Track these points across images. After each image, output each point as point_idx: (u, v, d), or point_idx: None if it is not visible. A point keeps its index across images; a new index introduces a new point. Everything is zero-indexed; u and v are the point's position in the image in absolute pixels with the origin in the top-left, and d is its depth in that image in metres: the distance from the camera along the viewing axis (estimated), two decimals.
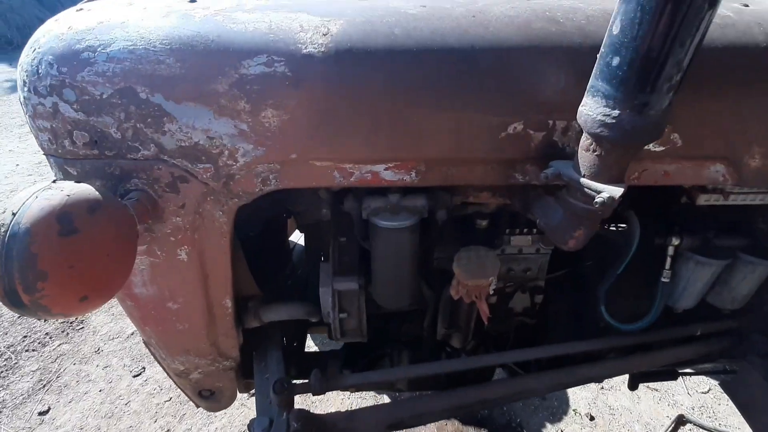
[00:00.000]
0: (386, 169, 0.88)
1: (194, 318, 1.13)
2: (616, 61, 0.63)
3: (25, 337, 2.82)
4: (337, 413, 1.18)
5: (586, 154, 0.74)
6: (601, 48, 0.66)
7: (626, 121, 0.65)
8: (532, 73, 0.80)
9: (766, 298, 1.45)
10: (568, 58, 0.80)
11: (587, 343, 1.23)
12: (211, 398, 1.42)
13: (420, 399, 1.19)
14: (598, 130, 0.68)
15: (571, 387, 1.41)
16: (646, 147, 0.86)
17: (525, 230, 1.20)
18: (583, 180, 0.75)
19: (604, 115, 0.67)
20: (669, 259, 1.13)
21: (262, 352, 1.38)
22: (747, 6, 0.91)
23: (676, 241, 1.10)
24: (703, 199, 1.07)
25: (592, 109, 0.68)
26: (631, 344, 1.29)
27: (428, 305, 1.26)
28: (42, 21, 0.91)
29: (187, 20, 0.80)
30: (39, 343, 2.79)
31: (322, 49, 0.78)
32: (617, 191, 0.70)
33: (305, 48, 0.78)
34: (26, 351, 2.73)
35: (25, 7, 10.48)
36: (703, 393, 2.44)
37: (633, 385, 1.65)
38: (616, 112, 0.65)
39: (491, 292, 1.05)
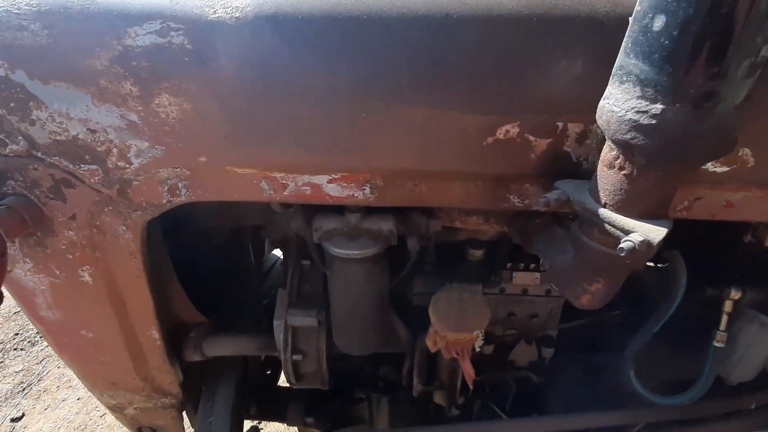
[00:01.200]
0: (330, 181, 0.65)
1: (115, 349, 0.93)
2: (659, 22, 0.38)
3: (16, 334, 2.75)
4: None
5: (609, 174, 0.48)
6: (636, 5, 0.41)
7: (675, 121, 0.40)
8: (532, 54, 0.56)
9: None
10: (587, 33, 0.54)
11: (611, 415, 0.94)
12: None
13: None
14: (628, 136, 0.43)
15: None
16: (704, 166, 0.60)
17: (532, 265, 0.94)
18: (604, 212, 0.49)
19: (638, 112, 0.41)
20: (725, 318, 0.83)
21: (211, 388, 1.17)
22: None
23: (736, 295, 0.81)
24: None
25: (619, 102, 0.43)
26: (665, 420, 0.99)
27: (406, 351, 1.02)
28: None
29: None
30: (29, 342, 2.71)
31: (237, 14, 0.56)
32: (657, 233, 0.45)
33: (214, 12, 0.56)
34: (14, 350, 2.65)
35: None
36: None
37: None
38: (658, 108, 0.40)
39: (477, 348, 0.80)
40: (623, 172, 0.46)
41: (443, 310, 0.79)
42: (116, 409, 1.13)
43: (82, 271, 0.78)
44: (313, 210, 0.80)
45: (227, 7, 0.57)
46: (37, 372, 2.51)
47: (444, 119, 0.59)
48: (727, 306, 0.82)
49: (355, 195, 0.66)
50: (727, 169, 0.60)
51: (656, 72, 0.39)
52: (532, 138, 0.59)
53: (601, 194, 0.50)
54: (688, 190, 0.64)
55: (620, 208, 0.48)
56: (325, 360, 0.98)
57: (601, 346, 1.10)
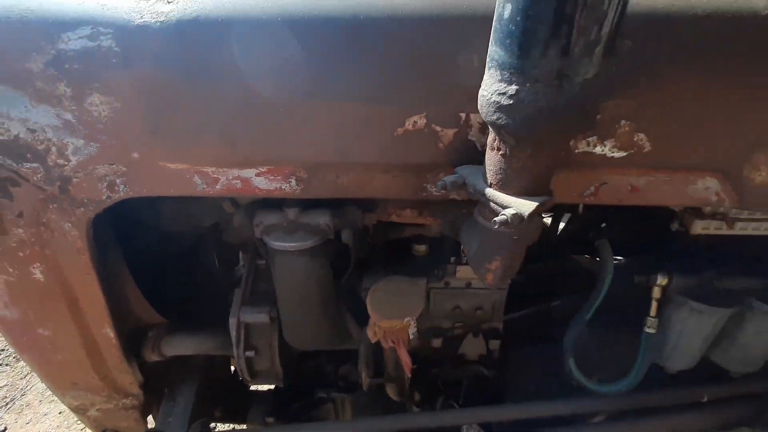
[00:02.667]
0: (258, 174, 0.69)
1: (72, 347, 0.96)
2: (507, 10, 0.42)
3: (1, 350, 2.76)
4: None
5: (491, 155, 0.53)
6: None
7: (528, 99, 0.44)
8: (434, 50, 0.60)
9: None
10: (483, 29, 0.59)
11: (556, 404, 0.96)
12: None
13: None
14: (494, 117, 0.47)
15: None
16: (596, 150, 0.64)
17: None
18: (489, 191, 0.53)
19: (499, 94, 0.46)
20: (655, 304, 0.86)
21: (174, 390, 1.19)
22: None
23: (663, 281, 0.83)
24: (700, 227, 0.81)
25: (486, 86, 0.48)
26: (615, 409, 1.01)
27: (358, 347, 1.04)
28: None
29: None
30: (14, 357, 2.71)
31: (162, 19, 0.61)
32: (528, 207, 0.48)
33: (141, 17, 0.61)
34: None
35: None
36: None
37: None
38: (513, 88, 0.44)
39: (411, 336, 0.82)
40: (500, 152, 0.50)
41: (378, 300, 0.82)
42: (79, 411, 1.14)
43: (34, 268, 0.82)
44: (255, 207, 0.84)
45: (153, 13, 0.62)
46: (20, 387, 2.51)
47: (356, 112, 0.63)
48: (656, 292, 0.85)
49: (282, 187, 0.70)
50: (625, 153, 0.64)
51: (509, 56, 0.44)
52: (438, 128, 0.63)
53: (488, 175, 0.53)
54: (593, 176, 0.68)
55: (502, 187, 0.52)
56: (278, 356, 1.01)
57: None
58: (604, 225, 1.04)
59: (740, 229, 0.80)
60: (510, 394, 1.09)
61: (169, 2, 0.63)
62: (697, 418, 1.07)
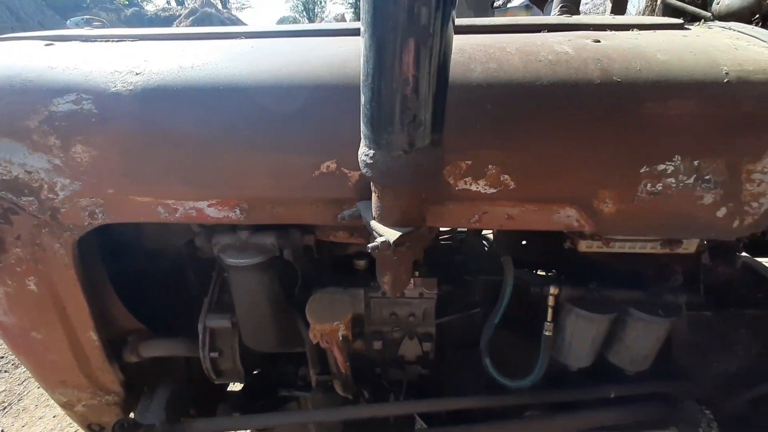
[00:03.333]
0: (209, 206, 0.86)
1: (61, 349, 1.12)
2: (363, 100, 0.60)
3: (1, 357, 2.91)
4: None
5: (373, 196, 0.69)
6: None
7: (381, 161, 0.61)
8: (343, 112, 0.78)
9: (702, 363, 1.29)
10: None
11: (472, 399, 1.12)
12: None
13: None
14: (365, 171, 0.64)
15: None
16: (473, 188, 0.81)
17: None
18: (372, 222, 0.70)
19: (365, 155, 0.63)
20: (550, 310, 1.02)
21: (152, 388, 1.34)
22: (599, 42, 0.86)
23: (554, 291, 1.00)
24: (584, 246, 0.97)
25: (360, 149, 0.65)
26: (533, 403, 1.16)
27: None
28: None
29: (16, 59, 0.84)
30: (12, 365, 2.87)
31: (130, 88, 0.79)
32: (393, 235, 0.65)
33: (114, 86, 0.79)
34: None
35: None
36: None
37: None
38: (371, 153, 0.61)
39: (341, 337, 0.98)
40: (376, 194, 0.67)
41: (314, 307, 0.98)
42: (67, 407, 1.30)
43: (29, 281, 0.99)
44: (213, 230, 1.01)
45: (124, 82, 0.80)
46: (18, 392, 2.66)
47: (283, 159, 0.81)
48: (550, 300, 1.01)
49: (229, 215, 0.87)
50: (495, 190, 0.81)
51: (368, 131, 0.61)
52: (347, 171, 0.80)
53: (373, 210, 0.70)
54: (475, 207, 0.84)
55: (380, 219, 0.69)
56: (239, 357, 1.16)
57: None
58: (524, 243, 1.20)
59: (618, 247, 0.97)
60: (445, 391, 1.25)
61: (137, 74, 0.81)
62: (611, 414, 1.22)
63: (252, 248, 0.97)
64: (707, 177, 0.79)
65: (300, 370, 1.37)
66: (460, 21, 1.03)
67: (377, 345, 1.19)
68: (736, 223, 0.83)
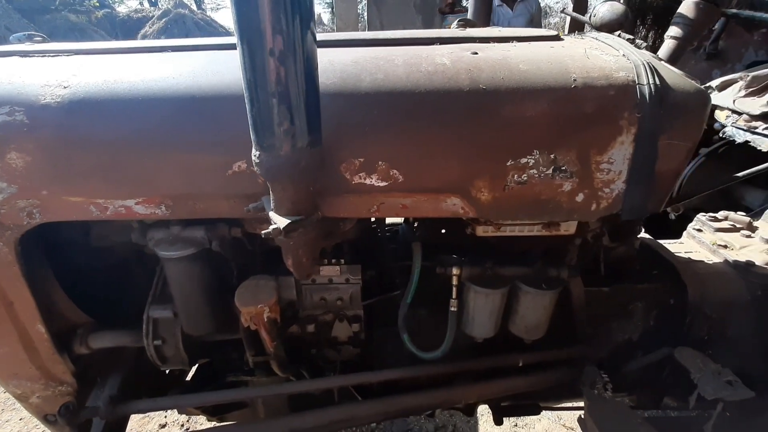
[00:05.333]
0: (137, 204, 0.97)
1: (11, 342, 1.20)
2: (247, 108, 0.71)
3: None
4: None
5: (270, 189, 0.81)
6: None
7: (265, 161, 0.73)
8: (237, 118, 0.89)
9: (604, 333, 1.45)
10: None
11: (395, 371, 1.25)
12: (57, 423, 1.46)
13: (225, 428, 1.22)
14: (256, 169, 0.76)
15: (398, 416, 1.40)
16: (367, 181, 0.93)
17: (333, 261, 1.25)
18: (270, 213, 0.82)
19: (254, 156, 0.75)
20: (454, 289, 1.16)
21: (105, 378, 1.43)
22: (476, 53, 0.99)
23: (456, 271, 1.13)
24: (481, 231, 1.11)
25: (252, 150, 0.76)
26: (458, 371, 1.29)
27: None
28: None
29: None
30: None
31: (58, 100, 0.89)
32: (282, 223, 0.77)
33: (44, 99, 0.89)
34: None
35: None
36: None
37: (497, 420, 1.62)
38: (257, 153, 0.73)
39: (267, 319, 1.09)
40: (270, 188, 0.79)
41: (242, 291, 1.09)
42: (22, 399, 1.37)
43: None
44: (147, 225, 1.11)
45: (53, 95, 0.89)
46: None
47: (200, 159, 0.92)
48: (454, 280, 1.15)
49: (156, 212, 0.98)
50: (386, 183, 0.94)
51: (254, 135, 0.73)
52: (255, 169, 0.92)
53: (272, 203, 0.82)
54: (373, 198, 0.97)
55: (277, 210, 0.81)
56: (182, 344, 1.27)
57: None
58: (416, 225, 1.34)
59: (509, 231, 1.11)
60: (376, 366, 1.37)
61: (65, 87, 0.91)
62: (522, 381, 1.37)
63: (183, 241, 1.08)
64: (563, 168, 0.94)
65: (245, 356, 1.48)
66: (369, 35, 1.16)
67: (310, 328, 1.31)
68: (594, 206, 0.98)
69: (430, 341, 1.28)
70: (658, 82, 0.90)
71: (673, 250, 1.61)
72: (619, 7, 1.15)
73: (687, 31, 1.24)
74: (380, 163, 0.92)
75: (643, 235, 1.61)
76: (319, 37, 1.09)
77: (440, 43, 1.08)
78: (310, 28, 0.66)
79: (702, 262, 1.51)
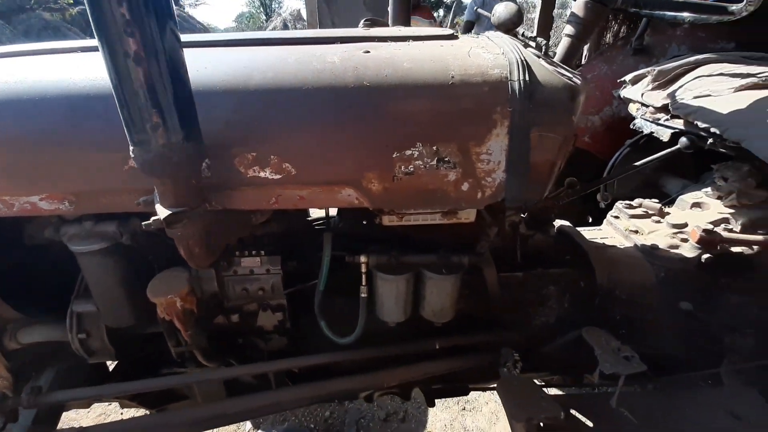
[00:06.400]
0: (41, 200, 1.00)
1: None
2: (117, 105, 0.76)
3: None
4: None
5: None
6: None
7: (140, 156, 0.77)
8: None
9: (520, 316, 1.53)
10: None
11: (311, 357, 1.31)
12: None
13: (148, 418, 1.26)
14: (135, 165, 0.80)
15: (325, 401, 1.47)
16: (261, 175, 0.98)
17: (254, 252, 1.30)
18: (156, 205, 0.86)
19: (131, 152, 0.79)
20: (363, 276, 1.22)
21: (39, 372, 1.46)
22: (368, 52, 1.05)
23: (363, 259, 1.20)
24: (386, 220, 1.17)
25: (129, 145, 0.81)
26: (381, 356, 1.36)
27: None
28: None
29: None
30: None
31: None
32: (162, 214, 0.82)
33: None
34: None
35: None
36: None
37: (429, 402, 1.69)
38: (133, 149, 0.78)
39: (180, 308, 1.14)
40: (155, 181, 0.84)
41: (154, 284, 1.14)
42: None
43: None
44: (62, 221, 1.14)
45: None
46: None
47: (98, 156, 0.95)
48: (362, 267, 1.21)
49: (60, 207, 1.01)
50: (280, 176, 0.99)
51: (127, 132, 0.77)
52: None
53: (157, 196, 0.87)
54: (270, 191, 1.02)
55: (161, 203, 0.85)
56: (107, 337, 1.30)
57: None
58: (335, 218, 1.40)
59: (413, 220, 1.17)
60: (303, 353, 1.43)
61: None
62: (442, 364, 1.44)
63: (95, 236, 1.11)
64: (447, 159, 1.00)
65: (176, 348, 1.52)
66: (274, 35, 1.20)
67: (235, 318, 1.36)
68: (479, 195, 1.05)
69: (354, 327, 1.34)
70: (528, 78, 0.97)
71: (592, 237, 1.70)
72: (512, 7, 1.21)
73: (579, 29, 1.32)
74: (272, 157, 0.97)
75: (563, 222, 1.69)
76: (220, 37, 1.14)
77: (340, 42, 1.13)
78: (169, 28, 0.70)
79: (614, 247, 1.60)
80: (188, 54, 1.07)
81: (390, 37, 1.14)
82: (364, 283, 1.23)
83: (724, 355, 1.58)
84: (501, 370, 1.41)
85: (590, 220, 2.44)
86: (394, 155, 0.99)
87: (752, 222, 1.47)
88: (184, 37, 1.17)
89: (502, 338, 1.46)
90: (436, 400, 1.70)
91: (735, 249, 1.44)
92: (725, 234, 1.43)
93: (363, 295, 1.23)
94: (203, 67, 1.00)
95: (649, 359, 1.52)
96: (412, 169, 1.01)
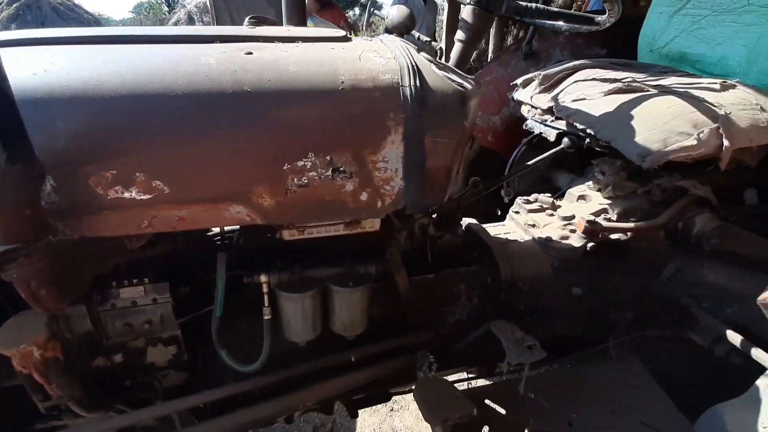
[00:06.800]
0: None
1: None
2: None
3: None
4: None
5: None
6: None
7: None
8: None
9: (435, 317, 1.56)
10: None
11: (217, 391, 1.18)
12: None
13: None
14: None
15: None
16: (125, 195, 0.84)
17: (135, 281, 1.13)
18: None
19: None
20: (265, 297, 1.13)
21: None
22: (251, 54, 0.96)
23: (264, 279, 1.10)
24: (287, 235, 1.09)
25: None
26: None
27: None
28: None
29: None
30: None
31: None
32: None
33: None
34: None
35: None
36: None
37: (352, 413, 1.65)
38: None
39: (39, 359, 0.95)
40: None
41: (2, 332, 0.93)
42: None
43: None
44: None
45: None
46: None
47: None
48: (264, 287, 1.12)
49: None
50: (150, 196, 0.86)
51: None
52: None
53: None
54: (141, 213, 0.88)
55: None
56: None
57: None
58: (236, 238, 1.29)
59: (316, 232, 1.10)
60: (208, 386, 1.29)
61: None
62: (360, 375, 1.40)
63: None
64: (342, 169, 0.95)
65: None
66: (143, 30, 1.05)
67: (118, 358, 1.18)
68: (379, 204, 1.02)
69: (259, 352, 1.23)
70: (419, 83, 0.95)
71: (496, 232, 1.78)
72: (404, 11, 1.20)
73: (469, 35, 1.37)
74: (138, 174, 0.84)
75: (470, 220, 1.75)
76: (72, 33, 0.97)
77: (220, 42, 1.02)
78: None
79: (516, 241, 1.69)
80: (26, 53, 0.90)
81: (277, 38, 1.06)
82: (266, 304, 1.13)
83: (611, 331, 1.77)
84: (417, 373, 1.41)
85: (499, 213, 2.59)
86: (285, 167, 0.92)
87: (625, 211, 1.65)
88: (19, 34, 0.98)
89: (418, 341, 1.46)
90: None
91: (613, 236, 1.61)
92: (605, 223, 1.58)
93: (266, 317, 1.13)
94: (43, 68, 0.83)
95: (551, 342, 1.65)
96: (306, 181, 0.94)
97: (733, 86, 1.42)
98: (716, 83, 1.41)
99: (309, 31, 1.15)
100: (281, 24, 1.44)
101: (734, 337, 1.45)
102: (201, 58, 0.91)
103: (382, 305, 1.43)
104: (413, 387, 1.68)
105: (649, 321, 1.77)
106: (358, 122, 0.93)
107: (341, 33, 1.13)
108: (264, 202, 0.94)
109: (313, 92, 0.91)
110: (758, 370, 1.34)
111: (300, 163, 0.92)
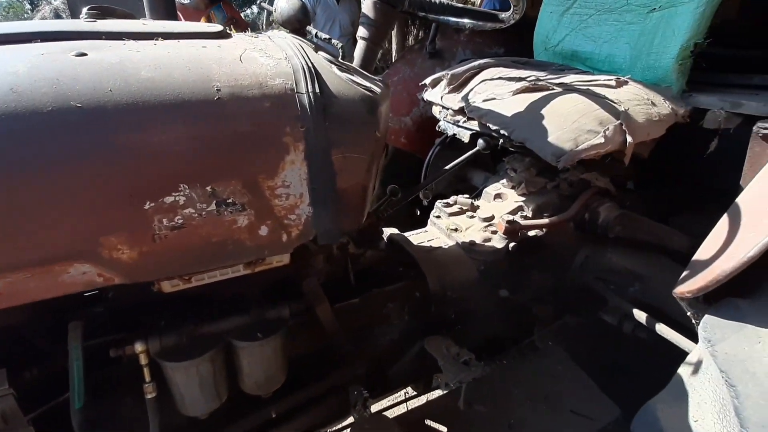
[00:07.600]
0: None
1: None
2: None
3: None
4: None
5: None
6: None
7: None
8: None
9: (364, 345, 1.41)
10: None
11: None
12: None
13: None
14: None
15: None
16: None
17: None
18: None
19: None
20: (145, 370, 0.87)
21: None
22: (85, 55, 0.70)
23: (140, 348, 0.85)
24: (168, 286, 0.84)
25: None
26: None
27: None
28: None
29: None
30: None
31: None
32: None
33: None
34: None
35: None
36: None
37: None
38: None
39: None
40: None
41: None
42: None
43: None
44: None
45: None
46: None
47: None
48: (141, 359, 0.86)
49: None
50: None
51: None
52: None
53: None
54: None
55: None
56: None
57: None
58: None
59: (208, 278, 0.87)
60: None
61: None
62: (296, 423, 1.20)
63: None
64: (230, 200, 0.75)
65: None
66: None
67: None
68: (285, 237, 0.83)
69: None
70: (318, 89, 0.78)
71: (419, 240, 1.69)
72: (295, 2, 1.03)
73: (372, 32, 1.25)
74: None
75: (392, 230, 1.64)
76: None
77: (41, 40, 0.74)
78: None
79: (440, 248, 1.62)
80: None
81: (125, 34, 0.81)
82: (148, 380, 0.87)
83: (536, 324, 1.79)
84: (352, 412, 1.26)
85: (418, 213, 2.52)
86: (146, 206, 0.68)
87: (539, 207, 1.67)
88: None
89: (348, 376, 1.31)
90: None
91: (531, 233, 1.61)
92: (523, 222, 1.57)
93: (149, 396, 0.88)
94: None
95: (484, 345, 1.61)
96: (180, 221, 0.72)
97: (626, 83, 1.49)
98: (611, 80, 1.47)
99: (173, 25, 0.91)
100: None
101: (639, 315, 1.53)
102: (8, 64, 0.63)
103: (305, 343, 1.24)
104: (350, 419, 1.53)
105: (568, 309, 1.83)
106: (245, 140, 0.74)
107: (216, 28, 0.91)
108: (122, 255, 0.70)
109: (178, 104, 0.69)
110: (660, 341, 1.43)
111: (169, 200, 0.70)
